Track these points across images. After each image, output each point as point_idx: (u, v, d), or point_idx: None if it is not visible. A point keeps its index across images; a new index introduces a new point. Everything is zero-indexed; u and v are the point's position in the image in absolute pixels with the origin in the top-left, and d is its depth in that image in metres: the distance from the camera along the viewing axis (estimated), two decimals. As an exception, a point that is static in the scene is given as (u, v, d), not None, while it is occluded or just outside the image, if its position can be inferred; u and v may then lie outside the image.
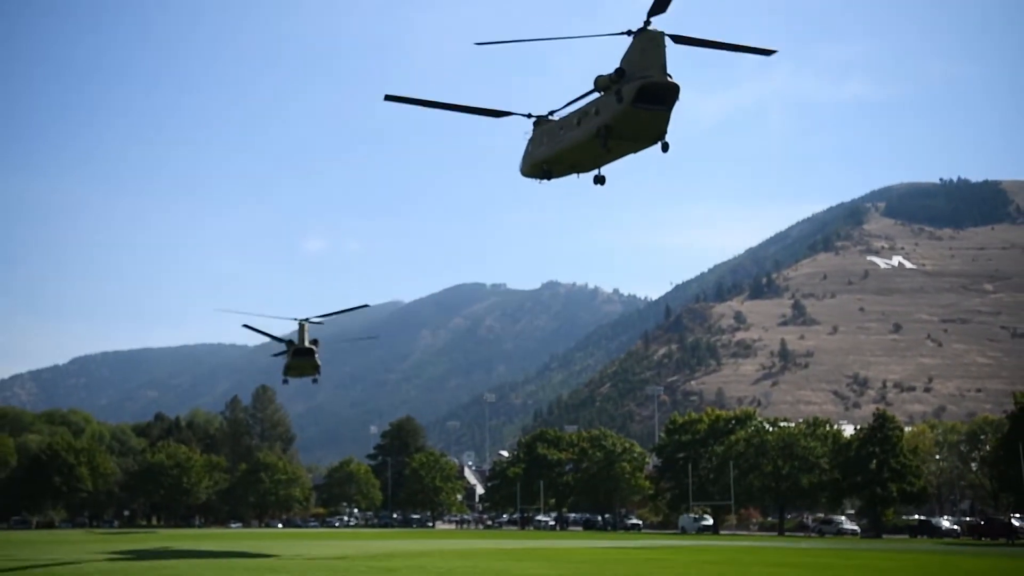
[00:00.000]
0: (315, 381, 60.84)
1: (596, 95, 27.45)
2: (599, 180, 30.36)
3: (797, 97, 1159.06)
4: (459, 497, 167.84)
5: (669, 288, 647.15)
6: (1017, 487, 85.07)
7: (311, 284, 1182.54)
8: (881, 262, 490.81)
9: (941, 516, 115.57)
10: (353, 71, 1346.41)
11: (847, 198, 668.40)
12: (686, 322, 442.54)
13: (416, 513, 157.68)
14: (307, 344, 57.03)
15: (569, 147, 28.88)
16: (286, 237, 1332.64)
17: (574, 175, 31.52)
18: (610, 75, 26.11)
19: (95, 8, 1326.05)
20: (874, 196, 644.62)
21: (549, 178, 31.94)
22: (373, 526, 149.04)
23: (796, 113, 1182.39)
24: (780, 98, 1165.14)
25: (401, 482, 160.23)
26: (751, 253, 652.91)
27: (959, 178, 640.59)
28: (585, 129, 27.67)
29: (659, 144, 27.07)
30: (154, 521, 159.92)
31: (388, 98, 29.68)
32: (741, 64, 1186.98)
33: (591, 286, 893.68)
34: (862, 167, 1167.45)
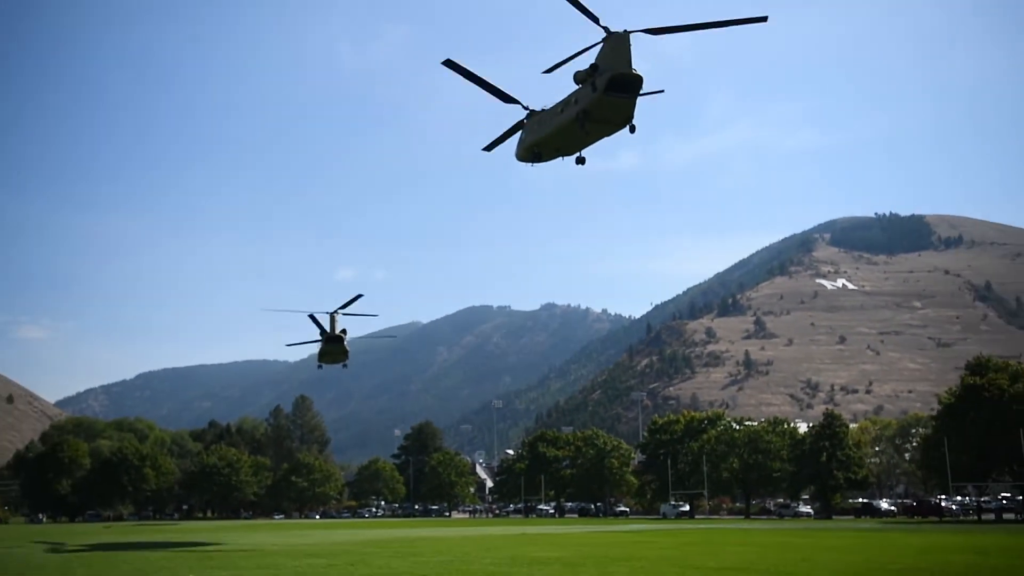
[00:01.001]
0: (344, 366, 59.20)
1: (576, 87, 27.90)
2: (580, 160, 30.79)
3: (756, 146, 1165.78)
4: (471, 490, 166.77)
5: (650, 308, 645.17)
6: (943, 473, 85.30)
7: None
8: (828, 284, 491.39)
9: (881, 499, 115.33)
10: (385, 129, 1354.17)
11: (799, 230, 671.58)
12: (664, 337, 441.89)
13: (435, 504, 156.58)
14: (337, 333, 56.42)
15: (555, 131, 29.18)
16: (321, 268, 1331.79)
17: (560, 158, 31.70)
18: (586, 70, 26.56)
19: (143, 56, 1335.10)
20: (821, 228, 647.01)
21: (539, 160, 32.08)
22: (398, 516, 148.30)
23: (755, 159, 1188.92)
24: (742, 147, 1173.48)
25: (422, 478, 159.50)
26: (719, 277, 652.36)
27: (891, 213, 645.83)
28: (567, 115, 28.05)
29: (627, 127, 27.40)
30: (209, 514, 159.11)
31: (447, 63, 29.61)
32: (709, 118, 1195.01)
33: (583, 307, 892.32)
34: (811, 204, 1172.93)
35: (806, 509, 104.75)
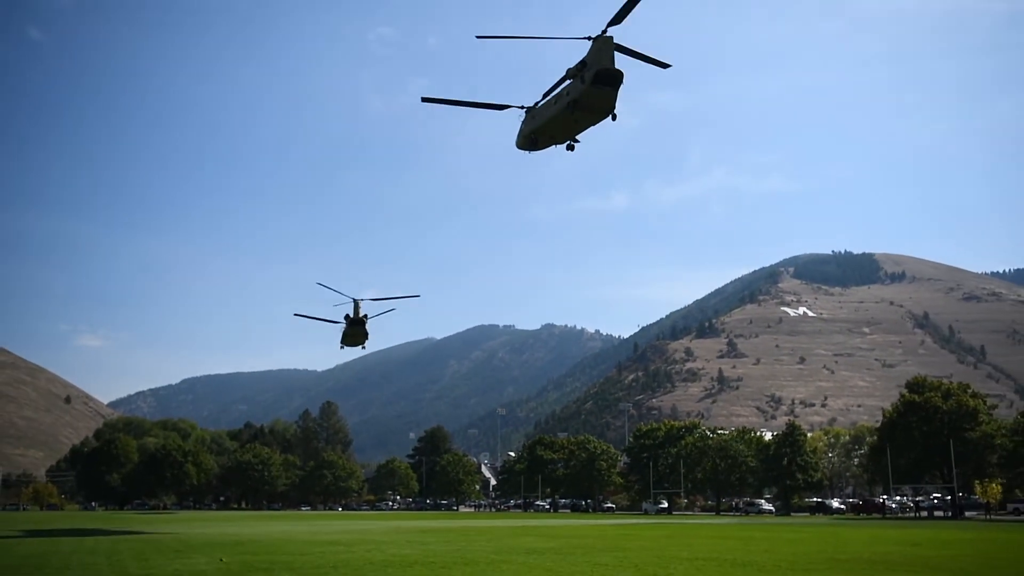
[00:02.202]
0: (363, 347, 56.29)
1: (568, 82, 28.21)
2: (570, 147, 30.89)
3: (730, 190, 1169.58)
4: (477, 487, 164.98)
5: (637, 329, 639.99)
6: (886, 477, 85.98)
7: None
8: (791, 311, 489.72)
9: (832, 498, 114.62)
10: (406, 168, 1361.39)
11: (767, 264, 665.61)
12: (649, 355, 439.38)
13: (444, 499, 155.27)
14: (360, 317, 54.51)
15: (550, 119, 29.25)
16: (348, 289, 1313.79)
17: (554, 146, 31.59)
18: (576, 66, 26.98)
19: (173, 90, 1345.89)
20: (786, 263, 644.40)
21: (535, 147, 31.95)
22: (411, 509, 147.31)
23: (730, 201, 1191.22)
24: (719, 190, 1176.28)
25: (433, 476, 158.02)
26: (697, 304, 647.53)
27: (845, 251, 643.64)
28: (560, 105, 28.24)
29: (610, 116, 27.61)
30: (243, 505, 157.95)
31: (425, 100, 29.70)
32: (691, 166, 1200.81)
33: (579, 327, 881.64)
34: (777, 241, 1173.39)
35: (768, 507, 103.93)
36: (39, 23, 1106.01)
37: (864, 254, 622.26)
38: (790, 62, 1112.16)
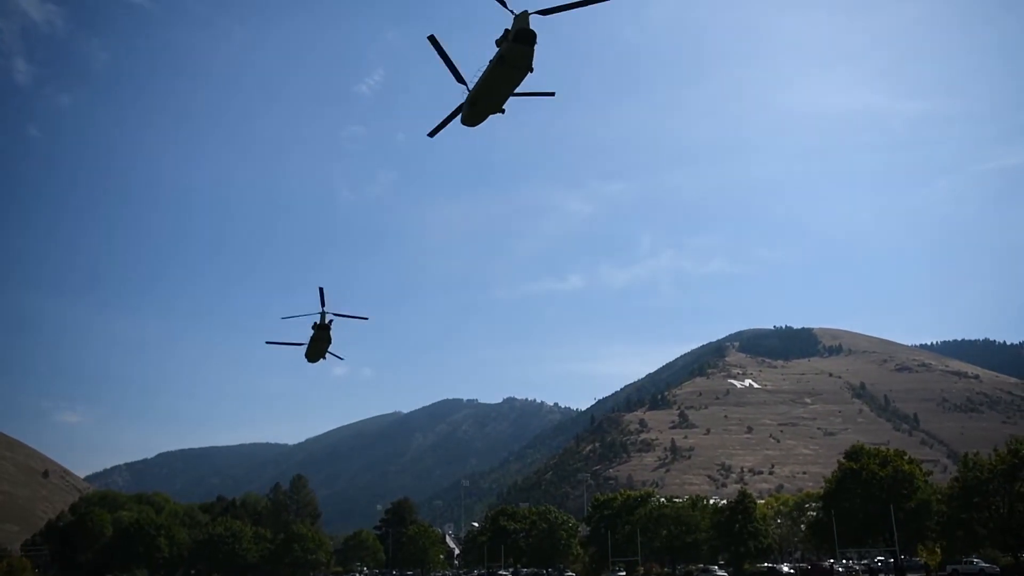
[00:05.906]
0: (324, 358, 52.82)
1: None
2: (502, 111, 32.55)
3: (678, 272, 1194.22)
4: (442, 557, 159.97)
5: (593, 402, 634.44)
6: (831, 541, 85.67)
7: (336, 399, 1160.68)
8: (738, 383, 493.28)
9: (782, 563, 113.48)
10: (374, 254, 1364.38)
11: (713, 339, 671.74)
12: (605, 427, 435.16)
13: (410, 570, 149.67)
14: (325, 323, 51.48)
15: (486, 75, 30.95)
16: (318, 366, 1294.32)
17: (492, 114, 32.85)
18: (502, 36, 29.59)
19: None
20: (732, 338, 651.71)
21: (476, 113, 33.02)
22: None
23: (678, 282, 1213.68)
24: (667, 272, 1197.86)
25: (399, 546, 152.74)
26: (650, 377, 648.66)
27: (786, 326, 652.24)
28: (491, 64, 30.50)
29: (529, 70, 29.98)
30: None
31: (431, 39, 30.87)
32: (641, 250, 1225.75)
33: (538, 401, 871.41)
34: (723, 318, 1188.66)
35: (722, 573, 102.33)
36: (38, 122, 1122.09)
37: (803, 329, 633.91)
38: (728, 156, 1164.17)
